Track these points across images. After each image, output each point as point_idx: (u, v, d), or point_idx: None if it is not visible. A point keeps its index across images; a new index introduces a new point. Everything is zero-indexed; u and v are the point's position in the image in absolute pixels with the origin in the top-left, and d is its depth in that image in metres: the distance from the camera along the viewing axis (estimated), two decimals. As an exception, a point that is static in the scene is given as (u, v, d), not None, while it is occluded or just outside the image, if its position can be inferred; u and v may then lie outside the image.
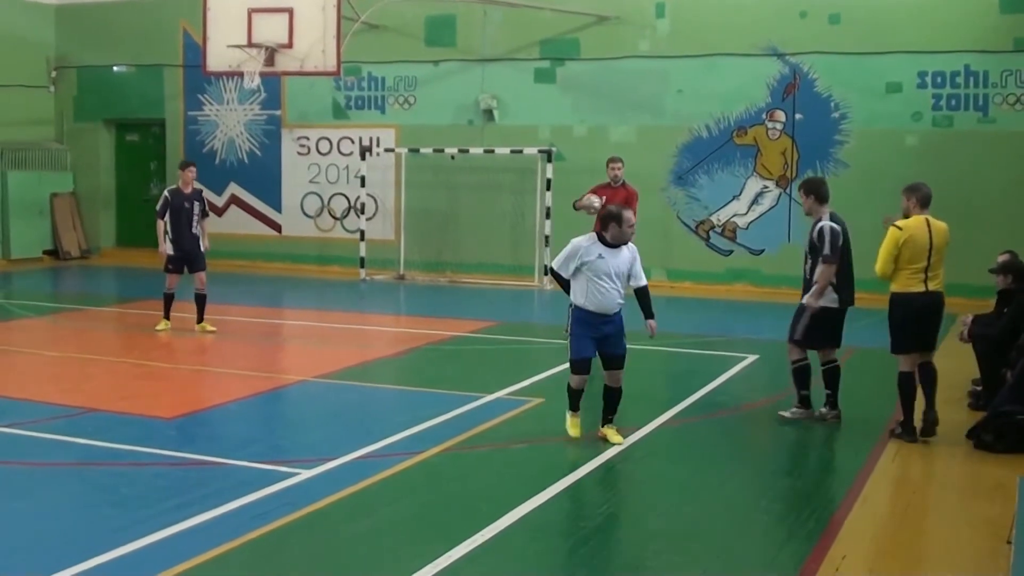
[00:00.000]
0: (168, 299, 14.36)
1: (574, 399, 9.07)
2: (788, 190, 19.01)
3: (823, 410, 9.88)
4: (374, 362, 12.88)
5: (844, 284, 9.69)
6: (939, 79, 18.19)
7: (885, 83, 18.47)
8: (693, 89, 19.63)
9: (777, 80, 19.16)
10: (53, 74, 24.80)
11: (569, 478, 7.90)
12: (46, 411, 9.80)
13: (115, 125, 25.22)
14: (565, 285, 8.89)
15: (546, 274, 8.23)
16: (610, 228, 8.72)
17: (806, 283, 9.80)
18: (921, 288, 9.13)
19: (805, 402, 9.91)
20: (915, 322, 9.18)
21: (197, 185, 14.48)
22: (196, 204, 14.22)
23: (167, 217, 14.09)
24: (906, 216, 9.36)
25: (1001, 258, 10.70)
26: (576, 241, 8.77)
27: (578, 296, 8.71)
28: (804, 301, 9.73)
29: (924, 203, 9.27)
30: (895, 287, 9.23)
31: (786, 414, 9.94)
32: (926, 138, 18.29)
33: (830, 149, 18.85)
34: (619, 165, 13.76)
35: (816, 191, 9.84)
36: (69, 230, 24.46)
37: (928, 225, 9.14)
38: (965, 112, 18.09)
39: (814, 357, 9.97)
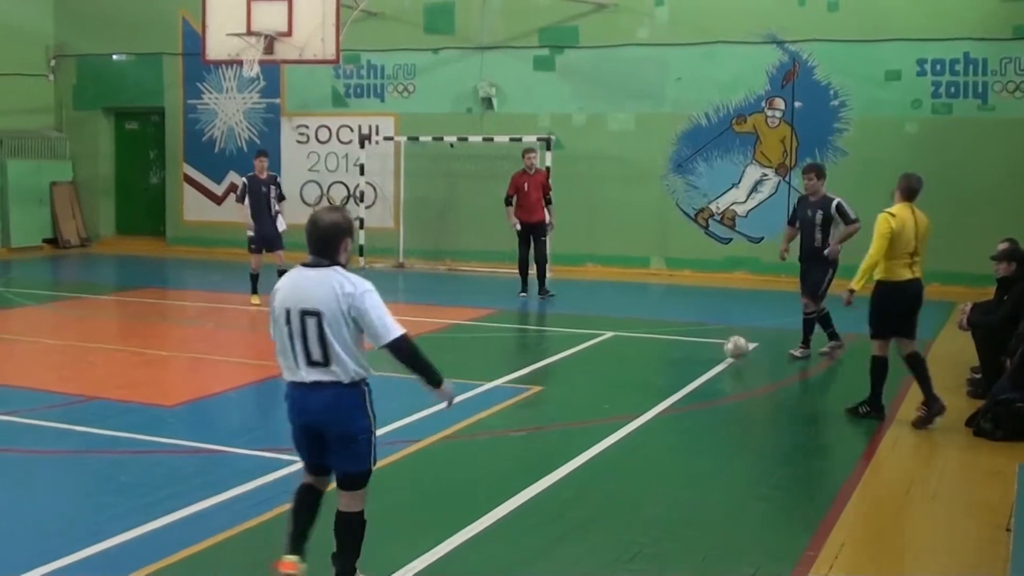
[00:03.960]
0: (253, 279, 15.44)
1: None
2: (787, 178, 18.98)
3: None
4: (373, 350, 12.86)
5: None
6: (938, 67, 18.15)
7: (884, 71, 18.43)
8: (692, 77, 19.59)
9: (776, 68, 19.12)
10: (52, 63, 24.74)
11: (568, 466, 7.90)
12: (46, 399, 9.80)
13: (114, 114, 25.18)
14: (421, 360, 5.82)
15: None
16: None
17: (817, 249, 11.76)
18: (908, 275, 9.26)
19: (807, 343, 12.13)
20: (902, 309, 9.28)
21: (271, 172, 15.93)
22: (272, 189, 15.55)
23: (247, 201, 15.42)
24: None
25: (1001, 246, 10.67)
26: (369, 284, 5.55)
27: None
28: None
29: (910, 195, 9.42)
30: (882, 275, 9.28)
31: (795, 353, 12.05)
32: (925, 126, 18.25)
33: (829, 137, 18.81)
34: (534, 155, 16.48)
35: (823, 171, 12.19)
36: (69, 218, 24.43)
37: (914, 214, 9.29)
38: (964, 100, 18.04)
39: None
